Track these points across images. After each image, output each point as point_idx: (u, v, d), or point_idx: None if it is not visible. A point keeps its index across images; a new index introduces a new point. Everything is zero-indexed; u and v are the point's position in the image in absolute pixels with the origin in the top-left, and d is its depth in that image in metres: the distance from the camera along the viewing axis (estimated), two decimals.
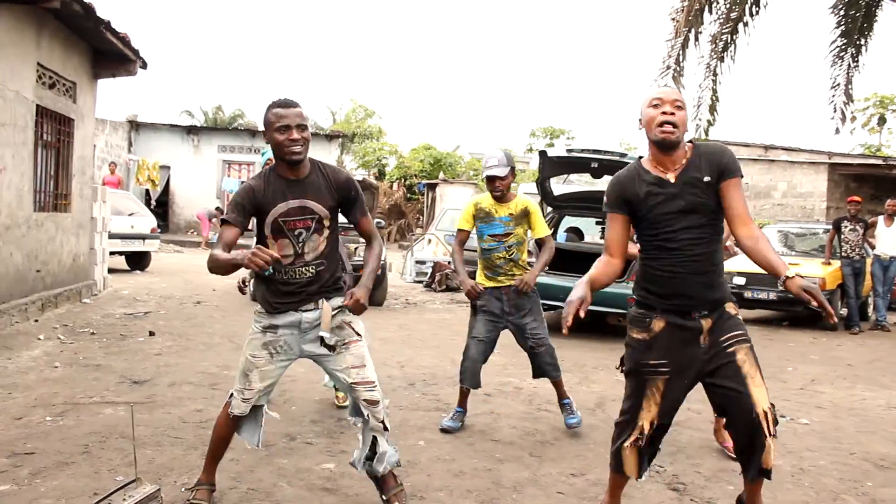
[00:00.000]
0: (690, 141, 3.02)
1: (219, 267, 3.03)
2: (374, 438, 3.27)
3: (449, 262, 14.58)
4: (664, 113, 2.86)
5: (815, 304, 2.64)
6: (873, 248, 11.28)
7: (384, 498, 3.34)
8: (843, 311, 11.31)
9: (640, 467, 3.13)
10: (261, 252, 2.79)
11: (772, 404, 2.87)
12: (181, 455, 4.01)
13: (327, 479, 3.80)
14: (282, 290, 3.22)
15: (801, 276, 2.71)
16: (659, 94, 2.92)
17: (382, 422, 3.25)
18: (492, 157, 4.73)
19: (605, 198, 3.09)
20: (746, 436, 2.86)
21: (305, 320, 3.22)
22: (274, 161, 3.22)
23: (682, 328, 2.95)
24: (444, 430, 4.72)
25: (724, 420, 3.01)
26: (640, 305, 3.05)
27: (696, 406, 4.92)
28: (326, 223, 3.21)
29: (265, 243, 3.17)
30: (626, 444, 3.06)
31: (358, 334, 3.28)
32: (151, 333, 7.61)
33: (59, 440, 4.16)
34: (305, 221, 3.17)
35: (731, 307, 2.97)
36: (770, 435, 2.81)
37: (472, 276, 4.96)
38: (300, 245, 3.18)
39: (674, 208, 2.89)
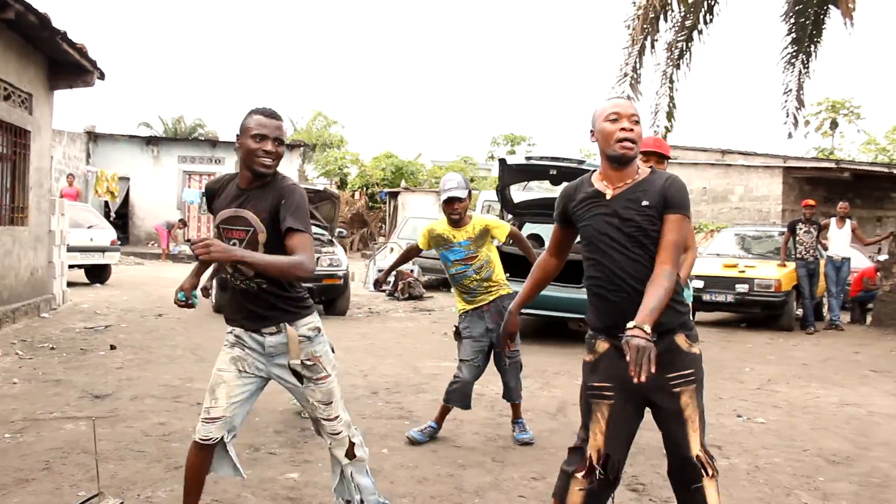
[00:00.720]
0: (651, 167, 2.88)
1: None
2: (343, 470, 3.18)
3: (412, 271, 14.61)
4: (623, 129, 2.71)
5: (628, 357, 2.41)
6: (826, 249, 11.59)
7: None
8: (799, 312, 11.58)
9: None
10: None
11: (702, 446, 2.74)
12: (144, 468, 4.00)
13: (291, 488, 3.82)
14: (233, 301, 3.12)
15: (642, 332, 2.41)
16: (616, 108, 2.76)
17: (349, 452, 3.15)
18: (450, 180, 4.80)
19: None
20: (680, 478, 2.78)
21: (269, 344, 3.08)
22: None
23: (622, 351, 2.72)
24: (411, 441, 4.73)
25: None
26: (590, 325, 2.94)
27: None
28: (262, 238, 2.97)
29: None
30: (578, 475, 2.78)
31: (327, 371, 3.15)
32: (112, 347, 7.53)
33: (18, 457, 4.12)
34: (239, 232, 3.02)
35: (682, 340, 2.75)
36: (708, 475, 2.70)
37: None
38: None
39: (603, 224, 2.76)
